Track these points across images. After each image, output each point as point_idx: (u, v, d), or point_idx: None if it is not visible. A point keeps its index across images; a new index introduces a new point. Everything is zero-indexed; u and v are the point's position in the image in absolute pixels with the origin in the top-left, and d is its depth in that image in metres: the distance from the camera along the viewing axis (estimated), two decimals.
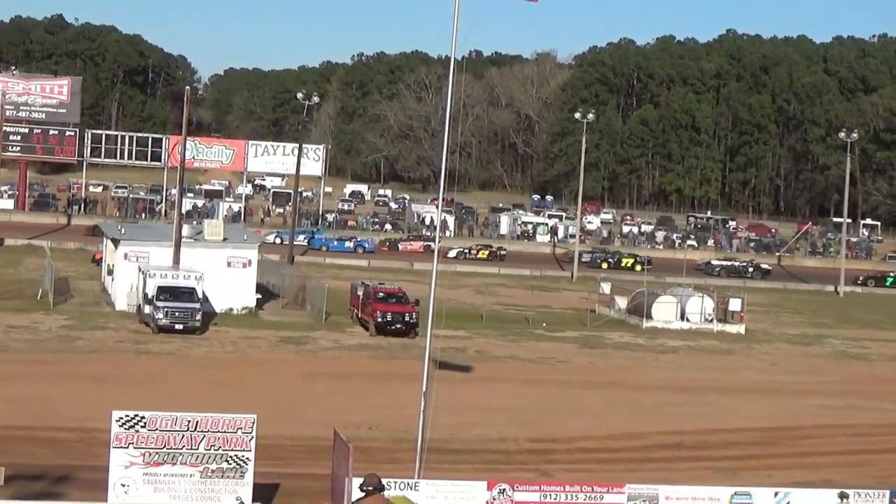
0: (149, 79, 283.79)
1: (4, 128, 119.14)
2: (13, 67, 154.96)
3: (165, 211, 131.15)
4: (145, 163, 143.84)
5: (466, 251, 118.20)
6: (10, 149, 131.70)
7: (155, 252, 68.76)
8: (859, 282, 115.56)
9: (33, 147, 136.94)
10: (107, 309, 69.06)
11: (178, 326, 60.70)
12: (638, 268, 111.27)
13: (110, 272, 73.22)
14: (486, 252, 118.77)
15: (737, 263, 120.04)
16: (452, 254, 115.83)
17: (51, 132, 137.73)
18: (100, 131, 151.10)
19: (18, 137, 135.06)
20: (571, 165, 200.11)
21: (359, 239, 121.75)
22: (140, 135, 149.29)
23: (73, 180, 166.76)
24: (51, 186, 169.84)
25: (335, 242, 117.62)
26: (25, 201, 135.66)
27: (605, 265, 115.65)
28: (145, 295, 62.77)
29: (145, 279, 63.35)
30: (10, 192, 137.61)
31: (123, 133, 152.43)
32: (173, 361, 54.61)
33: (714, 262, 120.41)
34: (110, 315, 66.64)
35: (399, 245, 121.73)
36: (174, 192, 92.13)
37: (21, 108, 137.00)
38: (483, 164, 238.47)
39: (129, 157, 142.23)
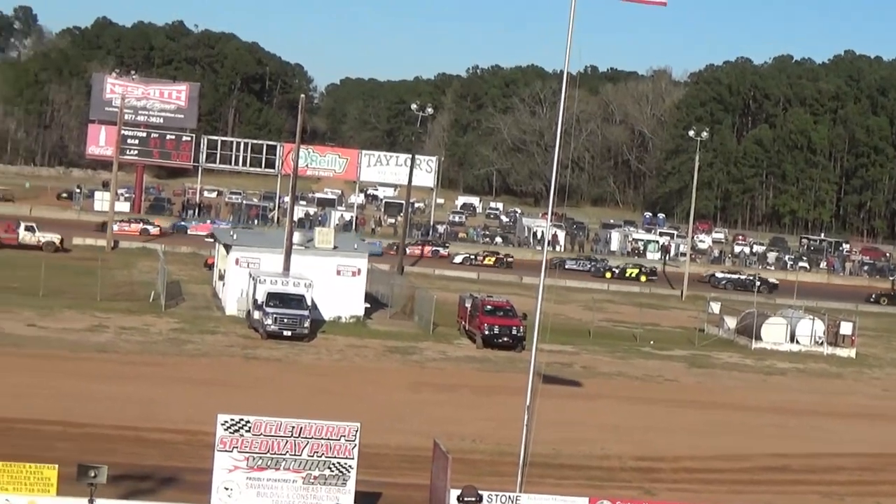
0: (266, 86, 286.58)
1: (123, 131, 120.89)
2: (133, 72, 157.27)
3: (278, 218, 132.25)
4: (259, 170, 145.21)
5: (473, 257, 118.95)
6: (127, 152, 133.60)
7: (266, 258, 69.35)
8: None
9: (150, 151, 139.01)
10: (217, 313, 69.79)
11: (287, 333, 61.12)
12: (643, 278, 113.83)
13: (221, 277, 73.99)
14: (493, 259, 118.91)
15: (743, 277, 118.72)
16: (458, 259, 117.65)
17: (168, 137, 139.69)
18: (216, 137, 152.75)
19: (136, 141, 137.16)
20: (684, 183, 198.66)
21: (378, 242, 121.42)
22: (255, 142, 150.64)
23: (188, 185, 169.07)
24: (166, 190, 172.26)
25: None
26: (141, 204, 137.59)
27: (608, 275, 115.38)
28: (255, 301, 63.29)
29: (255, 285, 63.89)
30: (126, 195, 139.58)
31: (239, 139, 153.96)
32: (280, 367, 54.99)
33: (719, 275, 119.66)
34: (220, 320, 67.33)
35: (406, 249, 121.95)
36: (287, 199, 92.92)
37: (140, 112, 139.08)
38: (595, 180, 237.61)
39: (244, 163, 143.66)
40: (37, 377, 47.39)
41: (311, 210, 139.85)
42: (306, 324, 61.80)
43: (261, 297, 62.37)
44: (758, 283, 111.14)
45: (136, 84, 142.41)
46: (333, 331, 65.65)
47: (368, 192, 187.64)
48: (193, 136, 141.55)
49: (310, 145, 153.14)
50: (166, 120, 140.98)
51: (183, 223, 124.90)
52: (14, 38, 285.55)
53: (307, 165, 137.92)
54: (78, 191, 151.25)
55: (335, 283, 69.11)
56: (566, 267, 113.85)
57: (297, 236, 71.32)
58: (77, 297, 70.00)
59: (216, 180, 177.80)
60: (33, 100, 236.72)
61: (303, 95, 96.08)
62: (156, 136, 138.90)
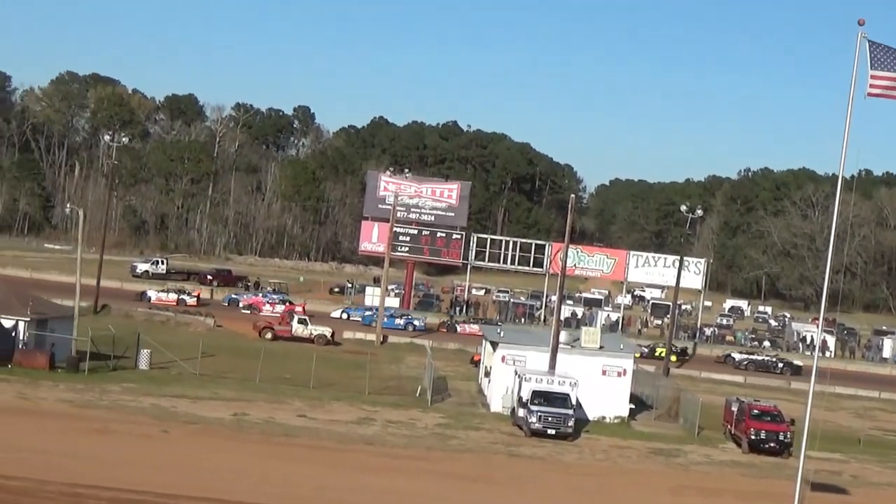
0: (535, 186, 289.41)
1: (395, 228, 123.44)
2: (407, 170, 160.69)
3: (544, 317, 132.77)
4: (527, 268, 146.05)
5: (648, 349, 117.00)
6: (398, 248, 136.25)
7: (532, 356, 69.70)
8: None
9: (421, 248, 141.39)
10: (482, 410, 70.31)
11: (551, 431, 61.17)
12: (673, 358, 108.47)
13: (487, 374, 74.58)
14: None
15: (764, 358, 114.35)
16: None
17: (438, 234, 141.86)
18: (485, 236, 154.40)
19: (408, 238, 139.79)
20: None
21: (410, 316, 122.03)
22: (524, 240, 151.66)
23: (456, 282, 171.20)
24: (435, 287, 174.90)
25: (385, 319, 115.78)
26: (410, 300, 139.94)
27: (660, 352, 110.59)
28: (520, 398, 63.58)
29: (521, 383, 64.21)
30: (396, 291, 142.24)
31: (508, 238, 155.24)
32: (543, 466, 54.97)
33: (736, 356, 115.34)
34: (485, 416, 67.80)
35: (458, 327, 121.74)
36: (554, 298, 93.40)
37: (412, 210, 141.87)
38: (868, 286, 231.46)
39: (512, 262, 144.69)
40: (305, 467, 48.50)
41: (578, 310, 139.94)
42: (570, 423, 61.76)
43: (526, 395, 62.64)
44: (780, 365, 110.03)
45: (409, 182, 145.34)
46: (597, 431, 65.40)
47: (635, 293, 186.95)
48: (463, 234, 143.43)
49: (578, 245, 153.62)
50: (437, 218, 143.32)
51: (235, 296, 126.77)
52: (293, 137, 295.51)
53: (575, 265, 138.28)
54: (349, 286, 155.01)
55: (600, 383, 68.98)
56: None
57: (563, 335, 71.50)
58: (346, 390, 71.52)
59: (484, 278, 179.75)
60: (310, 197, 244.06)
61: (572, 196, 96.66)
62: (427, 233, 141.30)
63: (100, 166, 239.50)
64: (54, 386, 62.02)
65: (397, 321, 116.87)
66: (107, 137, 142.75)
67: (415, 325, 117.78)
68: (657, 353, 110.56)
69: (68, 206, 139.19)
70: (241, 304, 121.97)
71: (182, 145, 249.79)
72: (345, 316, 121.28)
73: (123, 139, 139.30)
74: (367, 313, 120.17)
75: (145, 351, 73.53)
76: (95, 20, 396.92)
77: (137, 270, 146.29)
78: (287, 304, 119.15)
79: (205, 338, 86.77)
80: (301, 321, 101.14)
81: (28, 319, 69.15)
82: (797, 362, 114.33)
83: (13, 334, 68.16)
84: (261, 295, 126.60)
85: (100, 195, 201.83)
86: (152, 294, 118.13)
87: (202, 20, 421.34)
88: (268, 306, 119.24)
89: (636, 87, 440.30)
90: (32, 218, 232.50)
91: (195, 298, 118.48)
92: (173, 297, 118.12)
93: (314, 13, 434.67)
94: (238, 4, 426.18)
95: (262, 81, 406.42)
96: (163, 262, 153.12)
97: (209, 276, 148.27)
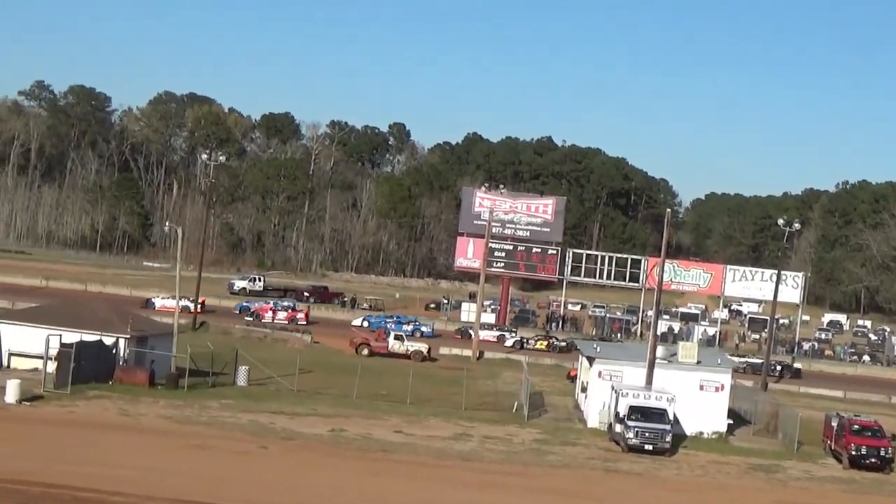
0: (631, 201, 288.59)
1: (490, 244, 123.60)
2: (502, 186, 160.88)
3: (641, 332, 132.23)
4: (623, 283, 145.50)
5: (525, 341, 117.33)
6: (494, 264, 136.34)
7: (628, 371, 69.41)
8: None
9: (516, 264, 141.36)
10: (579, 425, 70.09)
11: (648, 447, 60.83)
12: None
13: (584, 389, 74.39)
14: (545, 343, 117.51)
15: (759, 361, 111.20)
16: (508, 343, 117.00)
17: (534, 250, 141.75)
18: (580, 251, 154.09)
19: (503, 254, 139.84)
20: None
21: (418, 322, 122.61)
22: (619, 255, 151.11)
23: (552, 297, 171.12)
24: (531, 303, 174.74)
25: (393, 325, 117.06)
26: (506, 316, 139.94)
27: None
28: (617, 414, 63.34)
29: (618, 398, 63.97)
30: (492, 307, 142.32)
31: (603, 253, 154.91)
32: (640, 482, 54.67)
33: (736, 360, 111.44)
34: (582, 432, 67.58)
35: (471, 332, 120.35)
36: (650, 313, 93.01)
37: (507, 225, 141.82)
38: None
39: (608, 276, 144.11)
40: (402, 483, 48.62)
41: (675, 325, 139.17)
42: (668, 438, 61.40)
43: (623, 411, 62.39)
44: (779, 369, 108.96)
45: (504, 198, 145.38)
46: (695, 446, 64.94)
47: (732, 308, 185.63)
48: (559, 249, 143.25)
49: (674, 260, 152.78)
50: (532, 233, 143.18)
51: (246, 304, 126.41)
52: (389, 154, 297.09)
53: (671, 280, 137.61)
54: (445, 301, 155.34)
55: (698, 398, 68.53)
56: None
57: (660, 350, 71.12)
58: (443, 406, 71.62)
59: (580, 293, 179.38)
60: (406, 213, 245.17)
61: (668, 210, 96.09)
62: (522, 249, 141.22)
63: (197, 185, 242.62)
64: (154, 402, 62.75)
65: (405, 327, 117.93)
66: (204, 156, 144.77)
67: (422, 332, 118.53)
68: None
69: (167, 224, 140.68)
70: (251, 311, 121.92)
71: (278, 163, 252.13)
72: (365, 324, 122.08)
73: (220, 158, 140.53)
74: (374, 320, 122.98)
75: (243, 367, 74.18)
76: (192, 41, 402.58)
77: (235, 287, 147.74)
78: (290, 310, 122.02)
79: (302, 354, 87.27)
80: (397, 337, 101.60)
81: (128, 337, 70.04)
82: (797, 365, 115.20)
83: (114, 351, 69.06)
84: (268, 302, 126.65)
85: (197, 213, 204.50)
86: (157, 301, 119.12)
87: (297, 39, 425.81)
88: (269, 313, 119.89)
89: (732, 100, 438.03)
90: (132, 236, 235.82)
91: (200, 305, 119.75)
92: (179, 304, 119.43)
93: (408, 31, 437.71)
94: (333, 23, 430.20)
95: (357, 99, 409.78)
96: (260, 279, 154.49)
97: (306, 293, 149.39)
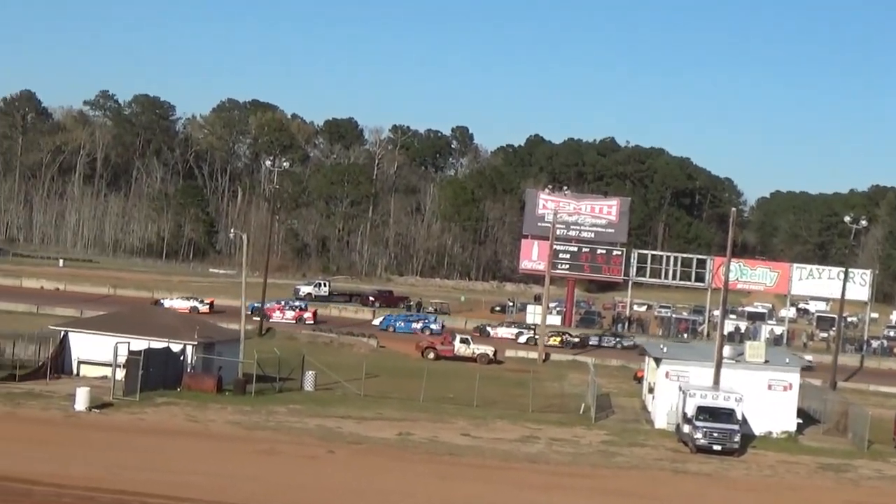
0: (695, 201, 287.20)
1: (555, 246, 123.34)
2: (565, 188, 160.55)
3: (707, 332, 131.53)
4: (689, 283, 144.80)
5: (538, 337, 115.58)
6: (559, 266, 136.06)
7: (695, 372, 69.04)
8: None
9: (581, 265, 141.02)
10: (646, 426, 69.78)
11: (717, 447, 60.44)
12: None
13: (651, 390, 74.09)
14: (559, 339, 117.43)
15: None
16: (522, 339, 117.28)
17: (598, 251, 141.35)
18: (645, 251, 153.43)
19: (567, 255, 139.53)
20: None
21: (427, 320, 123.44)
22: (684, 255, 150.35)
23: (618, 299, 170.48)
24: (596, 304, 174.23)
25: (402, 324, 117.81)
26: (572, 318, 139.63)
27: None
28: (684, 414, 63.03)
29: (685, 398, 63.65)
30: (558, 309, 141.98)
31: (668, 253, 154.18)
32: (709, 482, 54.36)
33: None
34: (649, 433, 67.28)
35: (489, 330, 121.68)
36: (717, 313, 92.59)
37: (571, 227, 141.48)
38: None
39: (673, 277, 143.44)
40: (470, 486, 48.60)
41: (742, 324, 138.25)
42: (736, 438, 60.99)
43: (690, 411, 62.06)
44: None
45: (568, 200, 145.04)
46: (764, 446, 64.48)
47: (799, 306, 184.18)
48: (623, 250, 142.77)
49: (740, 259, 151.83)
50: (597, 234, 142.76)
51: (257, 304, 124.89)
52: (452, 157, 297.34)
53: (737, 279, 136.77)
54: (510, 304, 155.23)
55: (766, 398, 68.05)
56: None
57: (727, 350, 70.69)
58: (509, 409, 71.59)
59: (645, 294, 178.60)
60: (470, 216, 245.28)
61: (733, 209, 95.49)
62: (587, 250, 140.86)
63: (261, 191, 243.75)
64: (222, 408, 63.09)
65: (414, 325, 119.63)
66: (268, 163, 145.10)
67: (431, 329, 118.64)
68: None
69: (232, 231, 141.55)
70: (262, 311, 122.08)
71: (342, 168, 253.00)
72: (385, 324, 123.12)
73: (284, 164, 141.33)
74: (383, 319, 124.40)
75: (310, 372, 74.48)
76: (254, 48, 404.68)
77: (301, 293, 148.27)
78: (297, 310, 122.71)
79: (368, 359, 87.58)
80: (463, 340, 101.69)
81: (195, 343, 70.51)
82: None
83: (181, 358, 69.55)
84: (279, 302, 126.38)
85: (262, 219, 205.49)
86: (166, 302, 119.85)
87: (360, 45, 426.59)
88: (278, 312, 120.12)
89: (796, 97, 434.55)
90: (197, 244, 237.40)
91: (208, 306, 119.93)
92: (187, 304, 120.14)
93: (470, 35, 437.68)
94: (393, 28, 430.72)
95: (419, 103, 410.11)
96: (325, 284, 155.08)
97: (371, 298, 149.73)
